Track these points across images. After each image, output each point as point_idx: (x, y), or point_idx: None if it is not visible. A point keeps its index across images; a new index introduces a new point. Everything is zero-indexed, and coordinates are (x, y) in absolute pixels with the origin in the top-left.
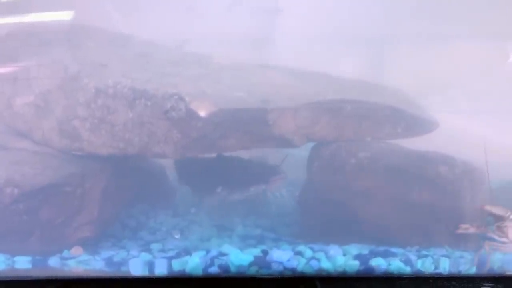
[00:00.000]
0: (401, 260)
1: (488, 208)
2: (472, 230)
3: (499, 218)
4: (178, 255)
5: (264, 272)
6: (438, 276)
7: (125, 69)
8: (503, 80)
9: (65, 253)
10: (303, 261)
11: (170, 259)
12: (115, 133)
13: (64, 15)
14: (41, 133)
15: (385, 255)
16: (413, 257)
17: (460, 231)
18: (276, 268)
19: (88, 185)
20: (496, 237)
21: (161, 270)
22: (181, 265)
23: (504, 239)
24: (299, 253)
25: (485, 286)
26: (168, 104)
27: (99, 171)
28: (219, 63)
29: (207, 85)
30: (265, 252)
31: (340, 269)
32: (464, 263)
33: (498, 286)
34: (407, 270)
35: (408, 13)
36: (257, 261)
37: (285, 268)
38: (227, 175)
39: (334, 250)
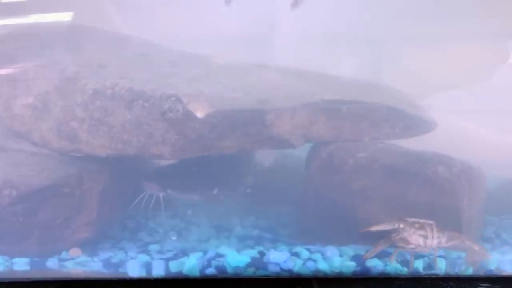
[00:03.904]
0: (397, 261)
1: (375, 228)
2: (379, 248)
3: (392, 232)
4: (175, 257)
5: (261, 273)
6: (435, 276)
7: (123, 70)
8: (502, 80)
9: (64, 255)
10: (299, 262)
11: (167, 260)
12: (113, 134)
13: (63, 16)
14: (39, 134)
15: (382, 255)
16: (409, 257)
17: (370, 257)
18: (273, 269)
19: (86, 186)
20: (404, 246)
21: (158, 271)
22: (178, 267)
23: (411, 246)
24: (295, 254)
25: (482, 286)
26: (165, 105)
27: (97, 172)
28: (217, 64)
29: (204, 85)
30: (262, 253)
31: (336, 270)
32: (461, 264)
33: (495, 286)
34: (403, 271)
35: (406, 13)
36: (254, 262)
37: (282, 269)
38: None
39: (331, 251)
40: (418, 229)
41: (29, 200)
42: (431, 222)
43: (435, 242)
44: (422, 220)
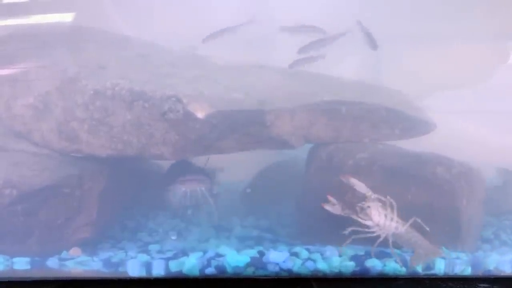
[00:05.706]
0: (396, 261)
1: (352, 181)
2: (337, 209)
3: (361, 197)
4: (175, 256)
5: (260, 273)
6: (433, 277)
7: (124, 71)
8: (502, 81)
9: (64, 254)
10: (298, 262)
11: (167, 260)
12: (113, 134)
13: (63, 17)
14: (40, 134)
15: (381, 256)
16: (408, 258)
17: (327, 207)
18: (272, 269)
19: (87, 187)
20: (360, 220)
21: (158, 271)
22: (178, 266)
23: (368, 222)
24: (295, 254)
25: (480, 287)
26: (166, 106)
27: (98, 173)
28: (217, 64)
29: (204, 86)
30: (261, 253)
31: (335, 270)
32: (459, 264)
33: (494, 287)
34: (402, 271)
35: (406, 13)
36: (253, 262)
37: (281, 269)
38: None
39: (330, 251)
40: (381, 207)
41: (29, 200)
42: (394, 203)
43: (393, 224)
44: (384, 199)
